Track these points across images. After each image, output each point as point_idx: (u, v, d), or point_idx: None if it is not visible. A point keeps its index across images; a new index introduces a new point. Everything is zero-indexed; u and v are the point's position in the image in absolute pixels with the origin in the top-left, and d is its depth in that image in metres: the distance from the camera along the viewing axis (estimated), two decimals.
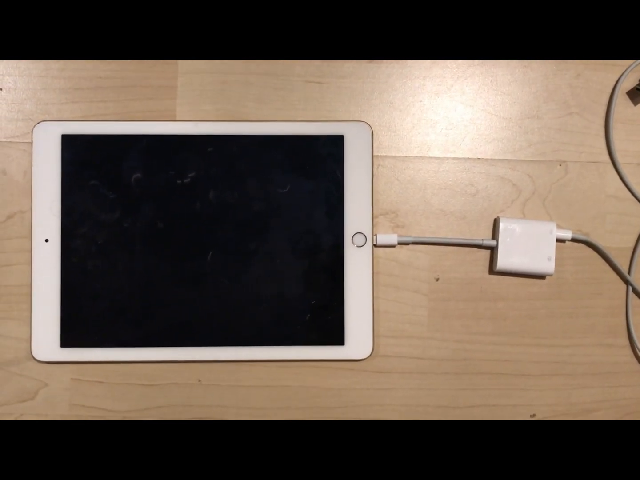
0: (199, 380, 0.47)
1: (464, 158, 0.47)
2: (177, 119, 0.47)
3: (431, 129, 0.48)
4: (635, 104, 0.48)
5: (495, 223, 0.47)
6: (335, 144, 0.46)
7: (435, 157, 0.47)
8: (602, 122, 0.48)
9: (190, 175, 0.46)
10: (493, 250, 0.47)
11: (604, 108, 0.48)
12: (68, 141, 0.45)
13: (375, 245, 0.46)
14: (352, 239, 0.46)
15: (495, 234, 0.47)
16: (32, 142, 0.46)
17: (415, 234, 0.47)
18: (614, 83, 0.48)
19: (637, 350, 0.47)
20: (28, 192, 0.46)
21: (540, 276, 0.47)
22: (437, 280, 0.47)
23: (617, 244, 0.47)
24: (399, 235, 0.46)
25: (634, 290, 0.47)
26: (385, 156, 0.47)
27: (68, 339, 0.45)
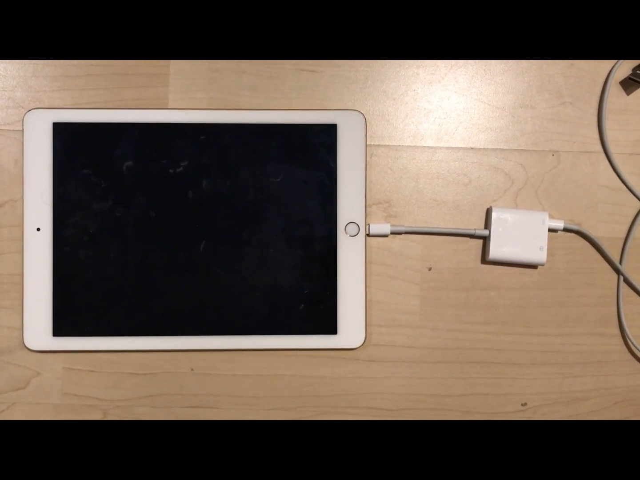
0: (192, 369, 0.47)
1: (457, 147, 0.47)
2: (170, 107, 0.46)
3: (424, 118, 0.47)
4: (628, 94, 0.48)
5: (488, 213, 0.47)
6: (328, 133, 0.46)
7: (428, 147, 0.47)
8: (595, 112, 0.48)
9: (182, 164, 0.45)
10: (485, 239, 0.47)
11: (597, 98, 0.48)
12: (59, 129, 0.45)
13: (368, 235, 0.46)
14: (345, 229, 0.46)
15: (487, 224, 0.47)
16: (23, 130, 0.45)
17: (408, 224, 0.47)
18: (607, 73, 0.47)
19: (628, 340, 0.47)
20: (19, 180, 0.46)
21: (532, 266, 0.47)
22: (430, 269, 0.47)
23: (609, 234, 0.48)
24: (392, 225, 0.46)
25: (625, 280, 0.48)
26: (379, 145, 0.47)
27: (60, 328, 0.45)
